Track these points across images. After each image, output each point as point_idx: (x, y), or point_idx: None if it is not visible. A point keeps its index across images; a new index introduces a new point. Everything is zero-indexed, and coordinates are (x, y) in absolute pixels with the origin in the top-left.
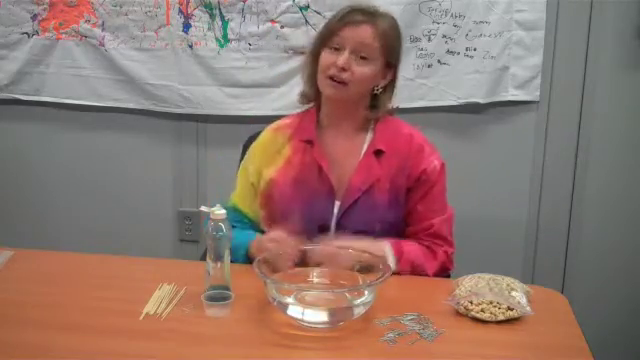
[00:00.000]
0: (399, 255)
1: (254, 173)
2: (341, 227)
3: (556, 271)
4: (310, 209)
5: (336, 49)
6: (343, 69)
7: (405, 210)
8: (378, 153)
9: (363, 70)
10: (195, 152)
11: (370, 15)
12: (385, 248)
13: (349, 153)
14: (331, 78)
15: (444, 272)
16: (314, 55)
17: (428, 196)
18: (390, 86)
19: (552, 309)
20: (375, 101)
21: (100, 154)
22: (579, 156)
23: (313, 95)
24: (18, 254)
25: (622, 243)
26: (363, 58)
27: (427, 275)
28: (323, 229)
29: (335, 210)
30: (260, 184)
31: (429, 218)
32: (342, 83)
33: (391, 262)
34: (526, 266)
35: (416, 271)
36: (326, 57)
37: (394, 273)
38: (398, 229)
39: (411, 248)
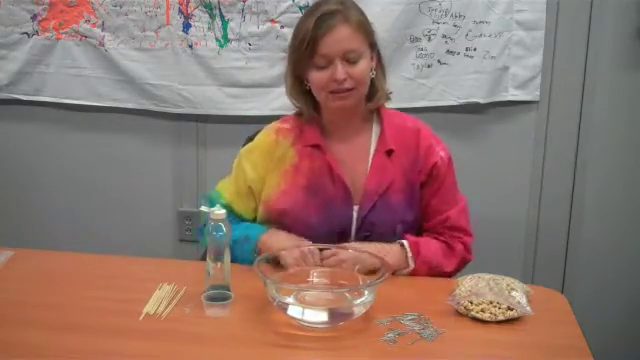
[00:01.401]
0: (416, 255)
1: (257, 179)
2: (362, 232)
3: (556, 271)
4: (329, 216)
5: (324, 66)
6: (344, 79)
7: (421, 206)
8: (389, 153)
9: (360, 69)
10: (195, 152)
11: (338, 13)
12: (398, 248)
13: (357, 155)
14: (334, 92)
15: (464, 265)
16: (296, 76)
17: (441, 189)
18: (379, 65)
19: (552, 309)
20: (372, 87)
21: (100, 154)
22: (579, 156)
23: (311, 109)
24: (18, 254)
25: (622, 243)
26: (354, 60)
27: (446, 273)
28: (343, 235)
29: (354, 215)
30: (264, 193)
31: (444, 211)
32: (348, 91)
33: (410, 260)
34: (526, 266)
35: (434, 272)
36: (318, 77)
37: (412, 274)
38: (417, 227)
39: (429, 248)
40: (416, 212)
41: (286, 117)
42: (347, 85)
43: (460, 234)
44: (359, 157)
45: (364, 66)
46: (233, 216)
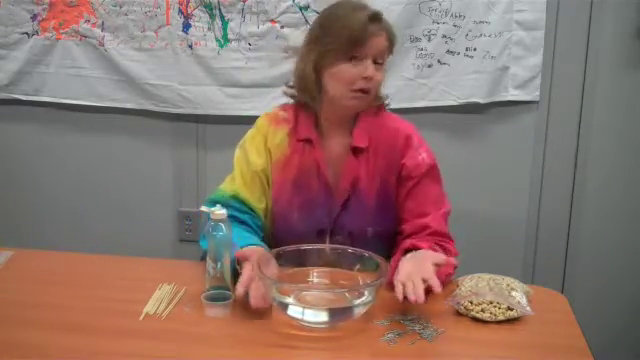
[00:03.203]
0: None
1: (264, 164)
2: (335, 231)
3: (556, 271)
4: (309, 215)
5: (357, 59)
6: (371, 78)
7: (397, 209)
8: (356, 151)
9: (381, 75)
10: (195, 152)
11: (380, 21)
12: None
13: (342, 152)
14: (357, 90)
15: (455, 267)
16: (316, 63)
17: (416, 192)
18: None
19: (552, 309)
20: None
21: (100, 154)
22: (579, 156)
23: (317, 101)
24: (18, 254)
25: (622, 243)
26: (380, 63)
27: (451, 273)
28: (320, 235)
29: (332, 215)
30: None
31: (422, 216)
32: (366, 92)
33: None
34: (526, 266)
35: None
36: (347, 70)
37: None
38: (390, 233)
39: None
40: (389, 216)
41: (286, 105)
42: (370, 85)
43: (444, 239)
44: (342, 154)
45: (383, 74)
46: (240, 204)
